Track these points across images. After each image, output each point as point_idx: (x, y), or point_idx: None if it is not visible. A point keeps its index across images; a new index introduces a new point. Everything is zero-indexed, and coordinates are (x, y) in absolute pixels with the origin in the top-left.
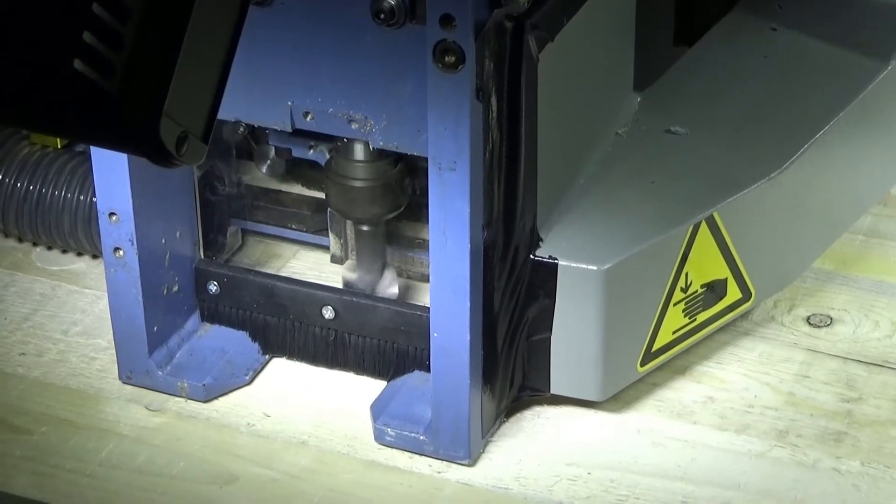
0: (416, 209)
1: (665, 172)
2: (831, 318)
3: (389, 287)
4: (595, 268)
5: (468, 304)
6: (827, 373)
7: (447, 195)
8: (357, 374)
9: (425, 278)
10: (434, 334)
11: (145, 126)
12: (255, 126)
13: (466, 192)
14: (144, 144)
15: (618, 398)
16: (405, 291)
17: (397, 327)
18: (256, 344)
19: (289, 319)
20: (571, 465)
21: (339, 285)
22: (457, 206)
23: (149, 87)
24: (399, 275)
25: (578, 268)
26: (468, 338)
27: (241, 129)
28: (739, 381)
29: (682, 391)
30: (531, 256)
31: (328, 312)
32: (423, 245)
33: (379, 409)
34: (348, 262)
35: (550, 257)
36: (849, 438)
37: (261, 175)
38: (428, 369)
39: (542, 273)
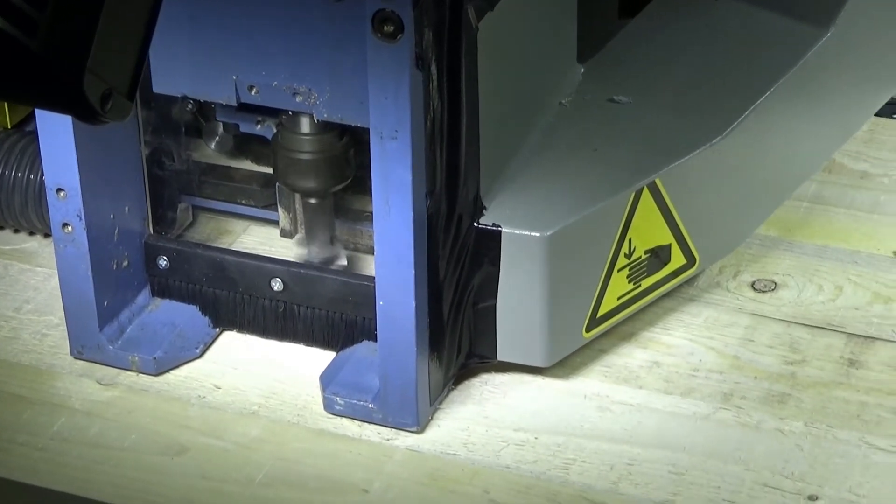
0: (364, 182)
1: (608, 140)
2: (775, 283)
3: (338, 259)
4: (538, 234)
5: (412, 272)
6: (771, 336)
7: (389, 164)
8: (307, 345)
9: (372, 250)
10: (380, 303)
11: (69, 83)
12: (203, 102)
13: (408, 160)
14: (69, 101)
15: (564, 364)
16: (354, 263)
17: (345, 298)
18: (207, 317)
19: (238, 293)
20: (519, 430)
21: (289, 258)
22: (399, 175)
23: (72, 44)
24: (348, 247)
25: (522, 235)
26: (413, 306)
27: (190, 105)
28: (685, 346)
29: (627, 356)
30: (475, 224)
31: (277, 285)
32: (371, 217)
33: (328, 379)
34: (297, 236)
35: (494, 225)
36: (792, 400)
37: (210, 151)
38: (376, 339)
39: (486, 241)
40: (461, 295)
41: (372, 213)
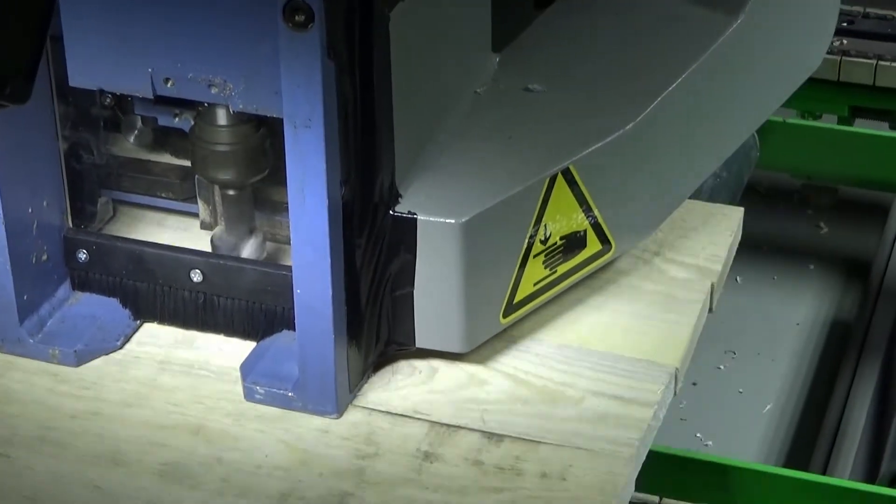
0: (282, 173)
1: (523, 128)
2: None
3: (257, 251)
4: (453, 221)
5: (328, 260)
6: (349, 427)
7: (303, 153)
8: (227, 335)
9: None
10: (297, 291)
11: None
12: (121, 96)
13: (322, 149)
14: None
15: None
16: (275, 255)
17: (264, 288)
18: (127, 310)
19: (158, 284)
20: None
21: (208, 250)
22: (313, 164)
23: None
24: (267, 239)
25: (437, 222)
26: (330, 294)
27: (107, 99)
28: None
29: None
30: (390, 212)
31: (196, 276)
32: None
33: (248, 369)
34: (217, 228)
35: (409, 212)
36: (354, 500)
37: (129, 145)
38: (294, 328)
39: (401, 228)
40: (378, 282)
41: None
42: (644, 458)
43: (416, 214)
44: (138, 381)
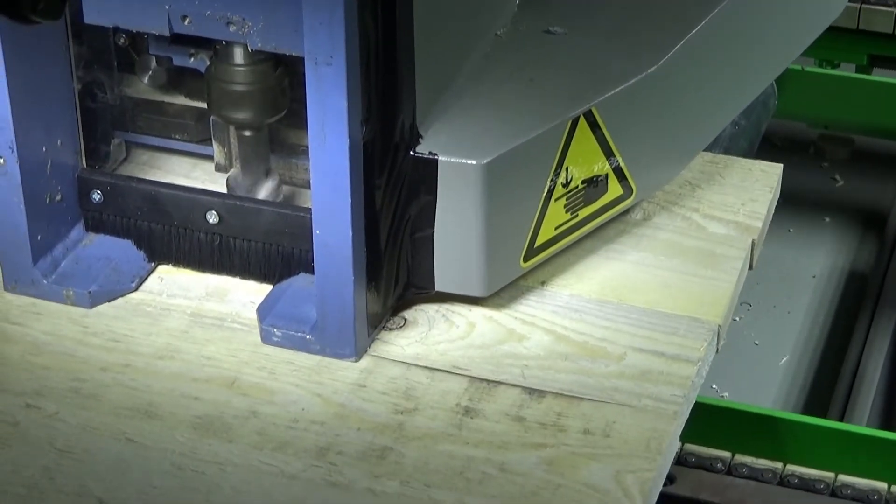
0: (300, 115)
1: (544, 70)
2: (405, 320)
3: (274, 193)
4: (475, 162)
5: (349, 200)
6: (386, 381)
7: (324, 91)
8: (243, 278)
9: (308, 184)
10: (316, 232)
11: None
12: (136, 36)
13: (343, 87)
14: None
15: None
16: (291, 198)
17: (281, 230)
18: (142, 252)
19: (173, 226)
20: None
21: (224, 191)
22: (334, 102)
23: None
24: (284, 181)
25: (458, 163)
26: (350, 235)
27: (122, 39)
28: (291, 393)
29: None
30: (411, 153)
31: (212, 217)
32: (307, 151)
33: (265, 311)
34: (233, 170)
35: (430, 153)
36: (393, 454)
37: (143, 86)
38: (312, 271)
39: (422, 169)
40: (398, 224)
41: (308, 146)
42: (687, 415)
43: (436, 155)
44: (170, 334)
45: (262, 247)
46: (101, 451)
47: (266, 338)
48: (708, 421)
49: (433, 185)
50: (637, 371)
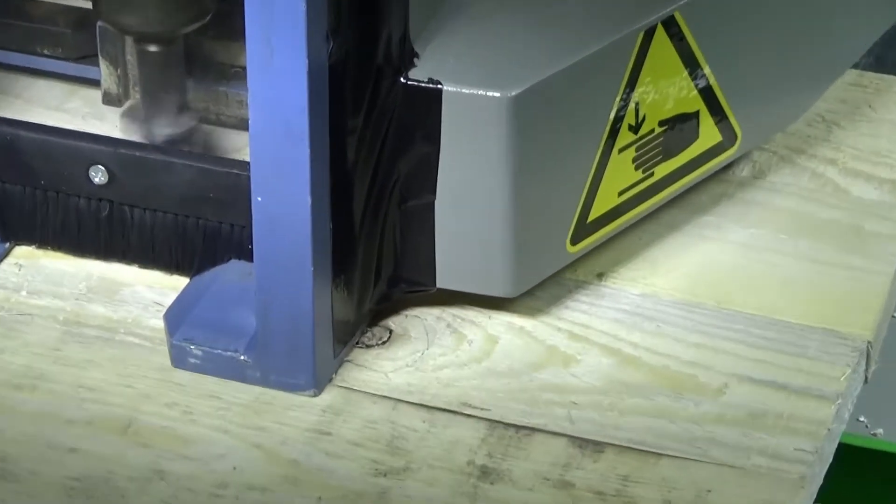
0: (230, 21)
1: None
2: (390, 332)
3: (191, 137)
4: (498, 94)
5: (307, 152)
6: (362, 425)
7: None
8: (143, 267)
9: (244, 123)
10: (257, 198)
11: None
12: None
13: None
14: None
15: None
16: (217, 145)
17: (204, 194)
18: None
19: (39, 188)
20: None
21: (117, 135)
22: (287, 2)
23: None
24: (205, 120)
25: (473, 95)
26: (308, 203)
27: None
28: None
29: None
30: (402, 80)
31: (99, 175)
32: (241, 75)
33: (177, 317)
34: (129, 103)
35: (430, 80)
36: None
37: None
38: (250, 257)
39: (418, 104)
40: (382, 187)
41: (242, 68)
42: (821, 479)
43: (440, 83)
44: (32, 352)
45: (172, 220)
46: None
47: (178, 359)
48: (853, 469)
49: (435, 128)
50: (744, 413)
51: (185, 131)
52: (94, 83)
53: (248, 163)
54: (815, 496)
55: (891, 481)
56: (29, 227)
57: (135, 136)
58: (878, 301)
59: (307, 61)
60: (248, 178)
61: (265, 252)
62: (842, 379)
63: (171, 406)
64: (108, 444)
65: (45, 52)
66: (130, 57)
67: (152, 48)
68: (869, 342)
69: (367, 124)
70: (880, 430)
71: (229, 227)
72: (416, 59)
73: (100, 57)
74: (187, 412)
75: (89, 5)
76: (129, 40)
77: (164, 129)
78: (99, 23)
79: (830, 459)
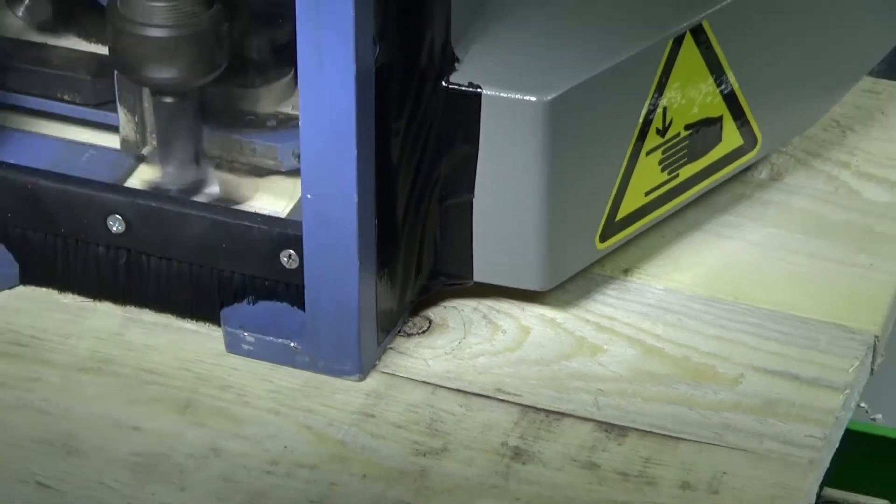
0: (243, 71)
1: None
2: (430, 322)
3: (207, 185)
4: (535, 99)
5: (353, 152)
6: (404, 409)
7: None
8: (159, 312)
9: (259, 170)
10: (307, 196)
11: None
12: None
13: None
14: None
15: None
16: (230, 192)
17: (217, 244)
18: (14, 270)
19: (59, 235)
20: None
21: (134, 184)
22: (336, 11)
23: None
24: (220, 167)
25: (511, 99)
26: (355, 201)
27: None
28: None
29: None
30: (443, 84)
31: (116, 224)
32: (256, 123)
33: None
34: (146, 150)
35: (471, 85)
36: None
37: (16, 21)
38: (257, 298)
39: (458, 108)
40: (423, 187)
41: (256, 115)
42: (828, 463)
43: (480, 88)
44: (96, 337)
45: (187, 268)
46: (2, 499)
47: (233, 345)
48: (855, 455)
49: (475, 130)
50: (759, 401)
51: (200, 178)
52: (113, 129)
53: (259, 215)
54: (821, 479)
55: (888, 463)
56: (49, 272)
57: (152, 181)
58: (886, 298)
59: (355, 66)
60: (264, 230)
61: (314, 246)
62: (850, 371)
63: (226, 389)
64: (168, 423)
65: (65, 97)
66: (147, 106)
67: (167, 99)
68: (876, 337)
69: (411, 126)
70: (879, 416)
71: (242, 277)
72: (456, 64)
73: (118, 105)
74: (241, 395)
75: (108, 54)
76: (145, 91)
77: (179, 176)
78: (116, 73)
79: (837, 444)
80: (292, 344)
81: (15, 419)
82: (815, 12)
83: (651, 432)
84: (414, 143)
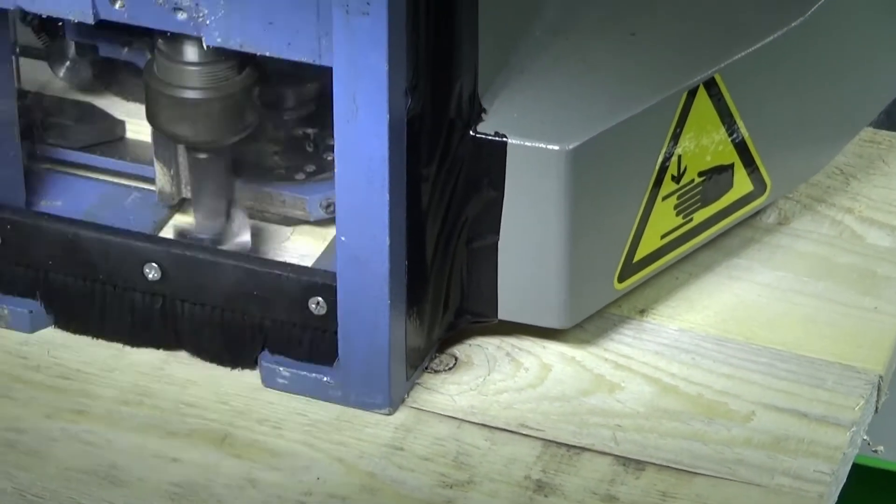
0: (272, 128)
1: (650, 23)
2: (455, 359)
3: (238, 235)
4: (557, 147)
5: (386, 197)
6: (431, 442)
7: (358, 47)
8: (193, 355)
9: (288, 220)
10: (341, 238)
11: None
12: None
13: (384, 42)
14: None
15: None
16: (261, 240)
17: (248, 292)
18: (52, 316)
19: (98, 282)
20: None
21: (169, 234)
22: (371, 63)
23: None
24: (252, 217)
25: (535, 147)
26: (387, 243)
27: (29, 17)
28: (296, 450)
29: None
30: (471, 133)
31: (152, 272)
32: (286, 176)
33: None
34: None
35: (497, 134)
36: None
37: (58, 81)
38: (294, 353)
39: (485, 155)
40: (451, 230)
41: (285, 169)
42: (836, 497)
43: (505, 137)
44: (138, 371)
45: (220, 314)
46: None
47: (268, 379)
48: (858, 488)
49: (500, 176)
50: (769, 437)
51: (233, 228)
52: (150, 180)
53: (288, 264)
54: None
55: (889, 495)
56: (86, 317)
57: (187, 236)
58: (890, 339)
59: (388, 116)
60: (293, 278)
61: (347, 286)
62: (856, 409)
63: (262, 422)
64: (207, 454)
65: (104, 153)
66: (182, 161)
67: (202, 156)
68: (880, 376)
69: (440, 172)
70: (881, 448)
71: (271, 322)
72: (483, 114)
73: (154, 158)
74: (276, 427)
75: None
76: (180, 148)
77: (212, 225)
78: (153, 131)
79: (845, 480)
80: (325, 378)
81: (61, 450)
82: (821, 68)
83: (667, 467)
84: (443, 189)
